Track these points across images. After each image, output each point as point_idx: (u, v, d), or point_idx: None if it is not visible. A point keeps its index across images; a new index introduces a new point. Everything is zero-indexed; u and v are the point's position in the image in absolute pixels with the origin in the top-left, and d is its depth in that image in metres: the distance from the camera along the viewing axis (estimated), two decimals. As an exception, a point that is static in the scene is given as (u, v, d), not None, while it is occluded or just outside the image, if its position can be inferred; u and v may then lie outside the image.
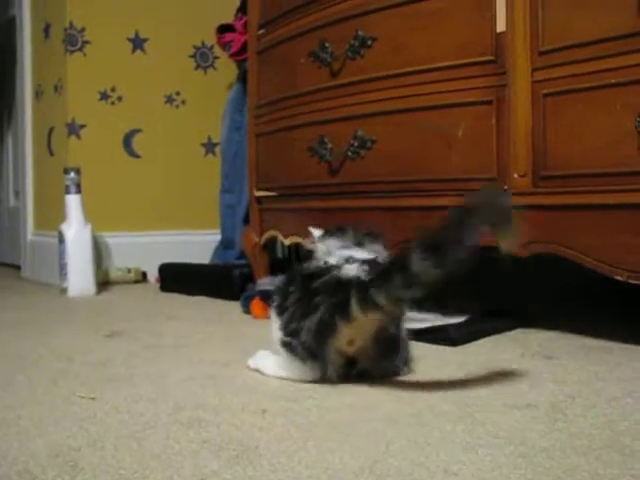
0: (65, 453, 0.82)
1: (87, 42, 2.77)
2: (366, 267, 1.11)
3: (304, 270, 1.18)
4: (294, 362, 1.12)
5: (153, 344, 1.48)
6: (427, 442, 0.84)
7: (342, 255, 1.17)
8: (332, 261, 1.16)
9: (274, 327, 1.15)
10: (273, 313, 1.17)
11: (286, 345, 1.12)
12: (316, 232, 1.34)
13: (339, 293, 1.07)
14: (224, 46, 2.69)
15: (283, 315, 1.14)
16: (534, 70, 1.42)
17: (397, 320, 1.13)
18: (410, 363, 1.18)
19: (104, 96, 2.82)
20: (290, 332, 1.12)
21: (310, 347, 1.09)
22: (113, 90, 2.83)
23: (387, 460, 0.78)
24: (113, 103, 2.84)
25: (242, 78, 2.54)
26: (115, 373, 1.23)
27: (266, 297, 1.80)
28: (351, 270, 1.11)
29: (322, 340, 1.08)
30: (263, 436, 0.88)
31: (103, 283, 2.66)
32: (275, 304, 1.17)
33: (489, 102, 1.48)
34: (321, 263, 1.18)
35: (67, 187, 2.49)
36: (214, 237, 2.77)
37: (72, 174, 2.48)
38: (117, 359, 1.34)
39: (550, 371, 1.20)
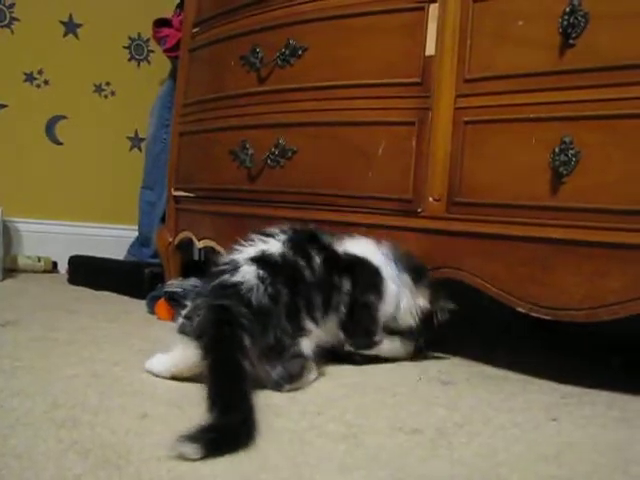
0: None
1: (15, 19, 2.68)
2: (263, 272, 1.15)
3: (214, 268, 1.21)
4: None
5: (46, 337, 1.42)
6: (305, 461, 0.82)
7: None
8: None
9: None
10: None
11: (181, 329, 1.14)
12: None
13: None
14: (159, 40, 2.64)
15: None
16: (458, 96, 1.43)
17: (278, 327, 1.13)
18: (301, 378, 1.16)
19: (29, 78, 2.73)
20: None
21: None
22: (40, 73, 2.75)
23: (259, 476, 0.76)
24: (39, 86, 2.76)
25: (174, 75, 2.49)
26: (-2, 364, 1.18)
27: (173, 299, 1.76)
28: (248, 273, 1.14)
29: None
30: (137, 441, 0.84)
31: (10, 270, 2.56)
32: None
33: (411, 123, 1.48)
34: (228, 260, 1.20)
35: (-21, 167, 2.40)
36: (132, 233, 2.71)
37: (-15, 154, 2.40)
38: (4, 350, 1.28)
39: (444, 396, 1.19)
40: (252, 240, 1.25)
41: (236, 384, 0.95)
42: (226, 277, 1.14)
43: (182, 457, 0.78)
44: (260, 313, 1.10)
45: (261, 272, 1.15)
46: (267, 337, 1.10)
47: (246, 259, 1.19)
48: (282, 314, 1.14)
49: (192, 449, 0.79)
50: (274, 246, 1.24)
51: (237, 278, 1.13)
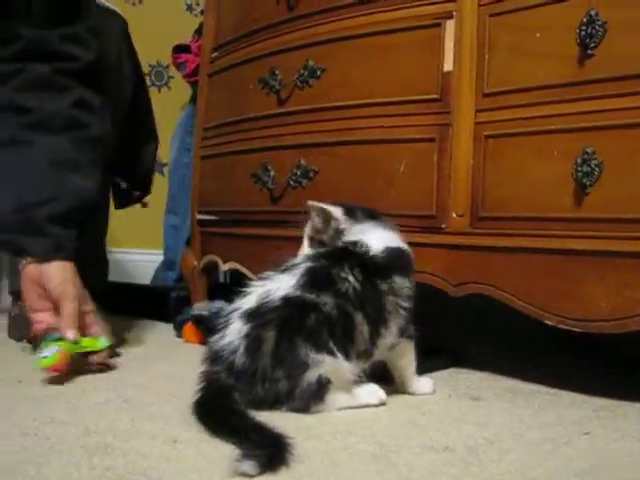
0: (-44, 476, 0.79)
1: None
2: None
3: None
4: None
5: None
6: (336, 481, 0.82)
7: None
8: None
9: None
10: None
11: None
12: (334, 210, 1.35)
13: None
14: (179, 66, 2.67)
15: None
16: (477, 111, 1.43)
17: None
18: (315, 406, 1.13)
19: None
20: None
21: None
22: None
23: (292, 498, 0.76)
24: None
25: (195, 100, 2.52)
26: (29, 392, 1.19)
27: (200, 322, 1.77)
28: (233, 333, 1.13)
29: None
30: (169, 467, 0.85)
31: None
32: None
33: (432, 140, 1.48)
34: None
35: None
36: (159, 257, 2.73)
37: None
38: (33, 377, 1.29)
39: (474, 413, 1.19)
40: (265, 278, 1.19)
41: (243, 418, 1.00)
42: (217, 339, 1.14)
43: (243, 475, 0.81)
44: (242, 374, 1.10)
45: (246, 328, 1.12)
46: (256, 393, 1.10)
47: (240, 314, 1.14)
48: (269, 364, 1.10)
49: (250, 467, 0.82)
50: (284, 284, 1.16)
51: (223, 341, 1.12)
